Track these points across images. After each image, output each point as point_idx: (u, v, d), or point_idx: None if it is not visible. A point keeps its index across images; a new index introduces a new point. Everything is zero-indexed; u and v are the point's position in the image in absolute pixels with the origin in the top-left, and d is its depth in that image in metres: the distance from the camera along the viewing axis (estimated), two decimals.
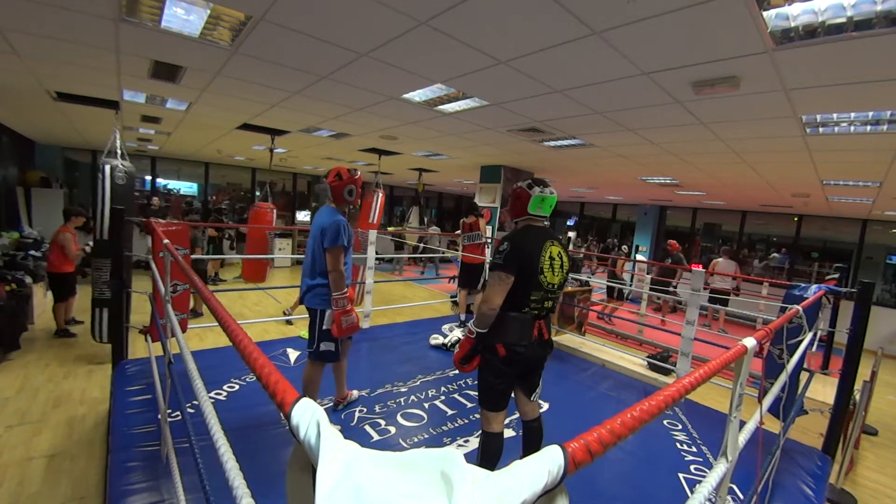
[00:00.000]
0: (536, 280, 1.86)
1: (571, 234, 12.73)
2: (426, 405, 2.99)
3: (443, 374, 3.56)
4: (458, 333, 4.34)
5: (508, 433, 2.44)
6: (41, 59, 3.13)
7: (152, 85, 3.63)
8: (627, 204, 12.11)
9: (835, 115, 2.85)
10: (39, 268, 5.13)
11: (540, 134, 4.40)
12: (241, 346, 0.79)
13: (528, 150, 5.35)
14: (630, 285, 8.23)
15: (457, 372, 3.51)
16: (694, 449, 2.73)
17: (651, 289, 7.01)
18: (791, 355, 2.04)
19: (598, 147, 4.71)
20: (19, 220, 6.74)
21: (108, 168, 3.79)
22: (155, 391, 2.35)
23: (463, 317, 5.03)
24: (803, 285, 2.84)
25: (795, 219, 9.40)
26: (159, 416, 2.14)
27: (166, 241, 2.07)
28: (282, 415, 0.60)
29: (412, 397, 3.09)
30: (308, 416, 0.57)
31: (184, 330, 3.20)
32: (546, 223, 2.06)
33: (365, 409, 2.83)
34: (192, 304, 5.04)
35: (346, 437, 0.54)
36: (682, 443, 2.79)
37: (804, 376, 2.85)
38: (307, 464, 0.61)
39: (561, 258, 1.96)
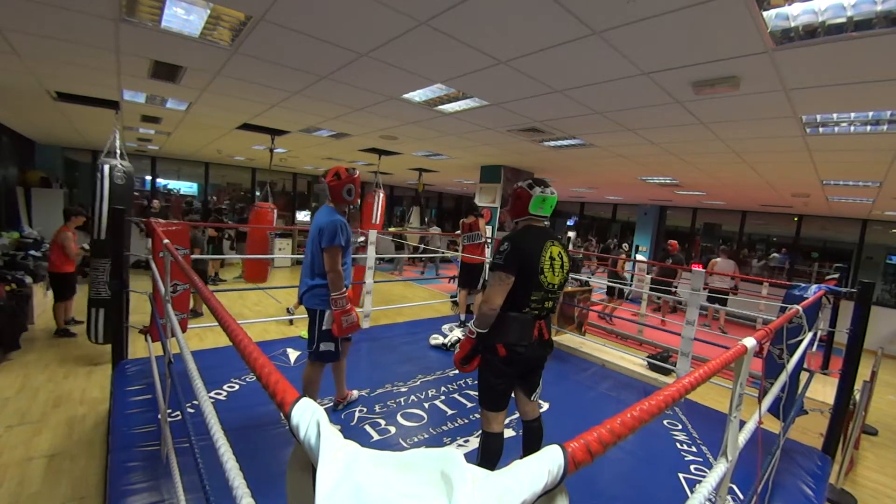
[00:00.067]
0: (537, 280, 1.86)
1: (571, 234, 12.74)
2: (426, 405, 2.99)
3: (443, 374, 3.56)
4: (458, 333, 4.34)
5: (508, 433, 2.44)
6: (41, 59, 3.13)
7: (152, 85, 3.63)
8: (627, 204, 12.10)
9: (835, 115, 2.85)
10: (39, 268, 5.13)
11: (540, 134, 4.40)
12: (241, 346, 0.79)
13: (528, 150, 5.34)
14: (630, 285, 8.23)
15: (457, 372, 3.51)
16: (694, 449, 2.73)
17: (651, 289, 7.01)
18: (791, 355, 2.04)
19: (598, 147, 4.71)
20: (19, 220, 6.74)
21: (106, 168, 3.78)
22: (155, 391, 2.35)
23: (463, 317, 5.03)
24: (803, 285, 2.84)
25: (795, 219, 9.40)
26: (159, 416, 2.14)
27: (166, 241, 2.07)
28: (282, 415, 0.60)
29: (412, 397, 3.09)
30: (308, 415, 0.57)
31: (184, 330, 3.20)
32: (546, 223, 2.06)
33: (365, 409, 2.84)
34: (192, 304, 5.04)
35: (346, 437, 0.54)
36: (682, 443, 2.79)
37: (804, 376, 2.85)
38: (307, 464, 0.61)
39: (561, 258, 1.96)
